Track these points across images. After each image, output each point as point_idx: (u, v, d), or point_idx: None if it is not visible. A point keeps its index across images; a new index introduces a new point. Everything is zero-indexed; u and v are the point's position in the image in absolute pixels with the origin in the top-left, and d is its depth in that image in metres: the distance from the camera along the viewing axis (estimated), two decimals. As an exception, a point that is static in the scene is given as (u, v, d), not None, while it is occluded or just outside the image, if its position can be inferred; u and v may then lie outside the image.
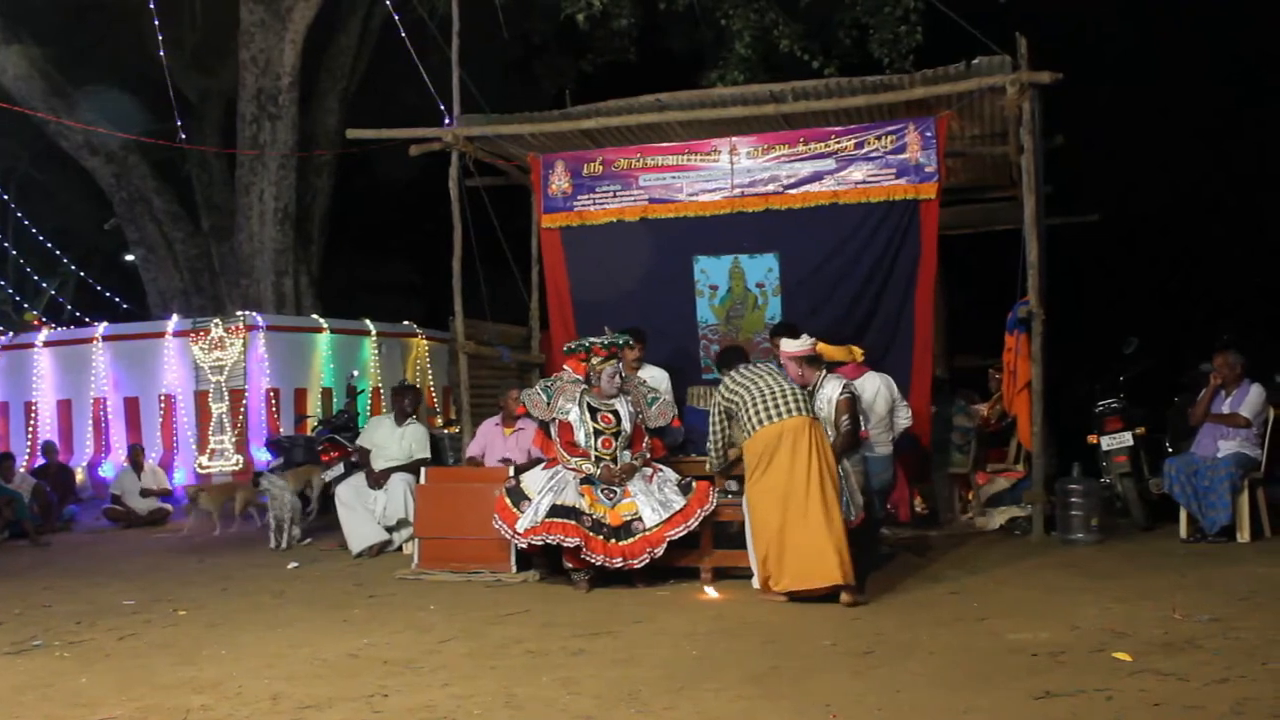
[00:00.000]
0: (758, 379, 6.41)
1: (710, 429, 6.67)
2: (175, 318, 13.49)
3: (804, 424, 6.14)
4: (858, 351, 7.61)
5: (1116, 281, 15.72)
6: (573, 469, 6.90)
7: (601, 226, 9.18)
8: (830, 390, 6.55)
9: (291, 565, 8.09)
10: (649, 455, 7.05)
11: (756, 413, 6.24)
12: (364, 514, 8.45)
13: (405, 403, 8.98)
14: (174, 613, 6.46)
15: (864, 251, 8.59)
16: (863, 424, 6.86)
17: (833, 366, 7.38)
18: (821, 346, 7.39)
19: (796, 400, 6.24)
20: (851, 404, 6.51)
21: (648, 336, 8.05)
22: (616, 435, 6.96)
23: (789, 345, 6.70)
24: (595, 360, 7.13)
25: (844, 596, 5.91)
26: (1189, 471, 7.66)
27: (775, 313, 8.90)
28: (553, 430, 7.14)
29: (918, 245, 8.46)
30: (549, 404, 7.16)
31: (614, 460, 6.90)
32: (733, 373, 6.64)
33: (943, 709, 4.05)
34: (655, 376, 7.98)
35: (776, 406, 6.21)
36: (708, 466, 6.81)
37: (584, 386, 7.16)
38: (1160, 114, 15.61)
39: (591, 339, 7.30)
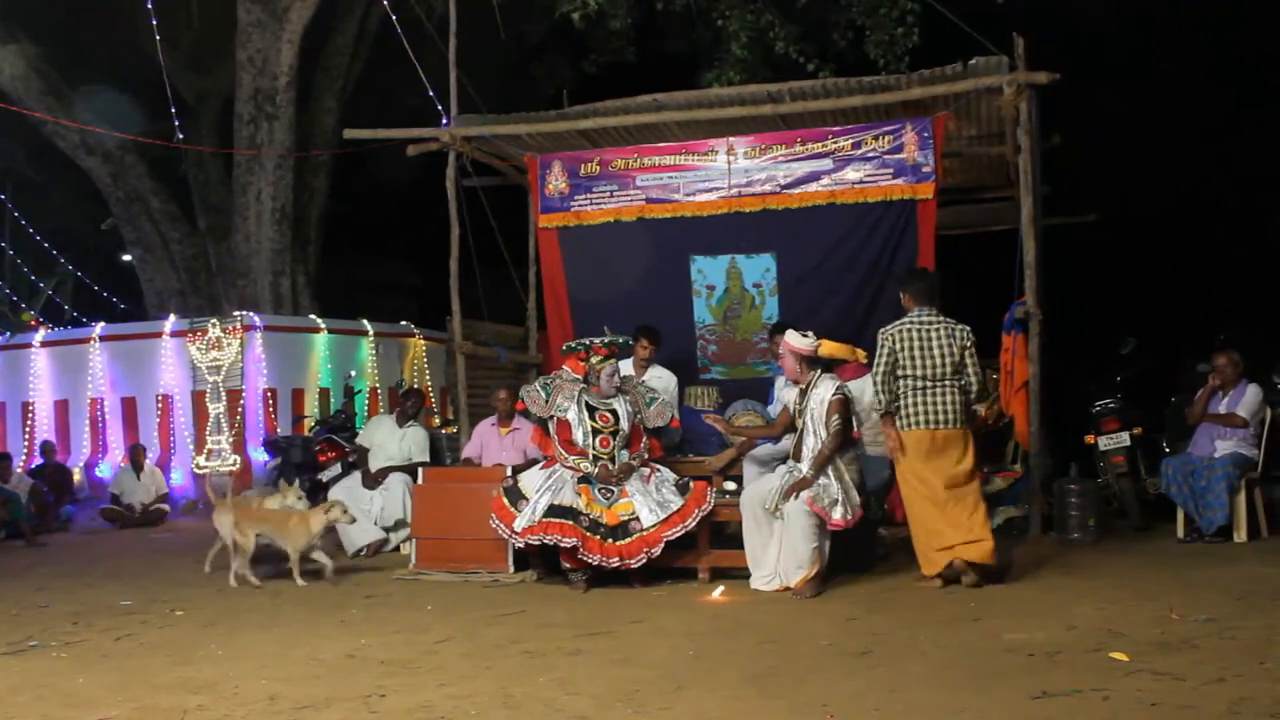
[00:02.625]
0: (926, 363, 6.33)
1: (874, 372, 6.45)
2: (172, 318, 13.48)
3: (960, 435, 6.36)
4: (860, 353, 7.60)
5: (1114, 282, 15.71)
6: (570, 467, 6.90)
7: (598, 226, 9.17)
8: (824, 391, 6.54)
9: (289, 566, 8.07)
10: (647, 455, 7.05)
11: (917, 407, 6.32)
12: (359, 514, 8.46)
13: (408, 405, 9.00)
14: (171, 613, 6.46)
15: (861, 251, 8.59)
16: (857, 425, 6.86)
17: (834, 365, 7.38)
18: (826, 344, 7.41)
19: (956, 408, 6.32)
20: (843, 405, 6.50)
21: (659, 336, 8.07)
22: (614, 434, 6.97)
23: (795, 340, 6.69)
24: (595, 360, 7.13)
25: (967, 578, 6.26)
26: (1186, 471, 7.67)
27: (772, 313, 8.90)
28: (551, 428, 7.14)
29: (915, 245, 8.46)
30: (548, 401, 7.17)
31: (612, 460, 6.90)
32: (907, 323, 6.44)
33: (940, 709, 4.05)
34: (662, 377, 7.99)
35: (940, 411, 6.30)
36: (879, 406, 6.48)
37: (582, 385, 7.17)
38: (1159, 114, 15.60)
39: (591, 338, 7.30)
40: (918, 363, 6.33)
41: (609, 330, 7.43)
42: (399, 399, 9.27)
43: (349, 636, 5.62)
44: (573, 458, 6.93)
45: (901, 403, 6.37)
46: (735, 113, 8.56)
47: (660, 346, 8.07)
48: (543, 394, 7.21)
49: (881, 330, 6.52)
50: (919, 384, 6.32)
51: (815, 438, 6.50)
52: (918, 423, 6.33)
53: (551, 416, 7.14)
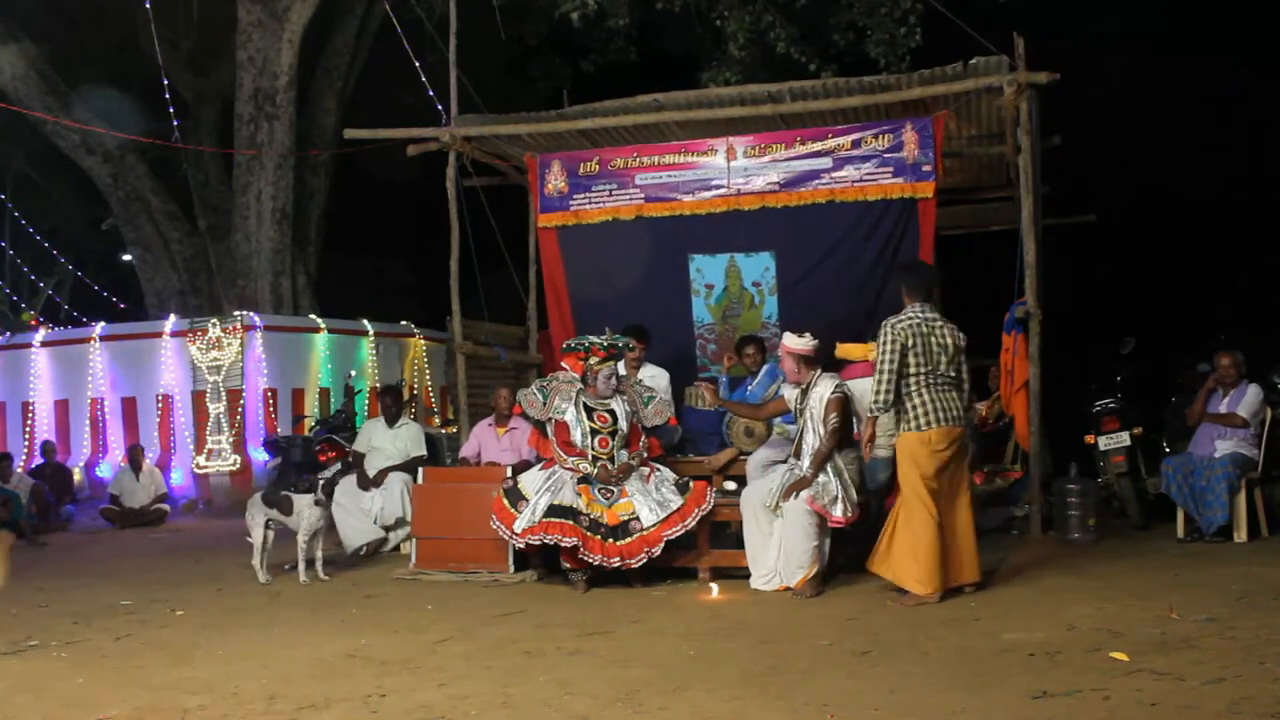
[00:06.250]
0: (938, 353, 6.09)
1: (880, 368, 6.07)
2: (172, 318, 13.48)
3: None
4: (873, 351, 7.57)
5: (1114, 282, 15.72)
6: (570, 469, 6.90)
7: (597, 225, 9.17)
8: (823, 389, 6.55)
9: (289, 566, 8.07)
10: (646, 454, 7.05)
11: (934, 404, 6.04)
12: (358, 513, 8.46)
13: (388, 402, 8.94)
14: (171, 613, 6.46)
15: (861, 250, 8.59)
16: (857, 424, 6.86)
17: (840, 365, 7.38)
18: (841, 347, 7.45)
19: (961, 407, 6.16)
20: (842, 403, 6.50)
21: (648, 335, 8.06)
22: (613, 435, 6.96)
23: (793, 342, 6.69)
24: (593, 361, 7.12)
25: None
26: (1186, 471, 7.67)
27: (772, 311, 8.90)
28: (549, 430, 7.14)
29: (915, 244, 8.46)
30: (545, 404, 7.16)
31: (611, 460, 6.90)
32: (912, 318, 6.11)
33: (939, 709, 4.05)
34: (655, 375, 7.98)
35: (955, 408, 6.09)
36: (871, 410, 6.15)
37: (580, 386, 7.16)
38: (1159, 114, 15.62)
39: (592, 338, 7.28)
40: (928, 359, 6.05)
41: (609, 331, 7.42)
42: (377, 399, 9.16)
43: (349, 636, 5.62)
44: (571, 459, 6.93)
45: (911, 401, 6.06)
46: (735, 113, 8.56)
47: (649, 345, 8.06)
48: (540, 397, 7.20)
49: (888, 324, 6.11)
50: (932, 380, 6.05)
51: (815, 436, 6.50)
52: (937, 420, 6.01)
53: (550, 419, 7.13)
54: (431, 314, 14.27)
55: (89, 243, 21.78)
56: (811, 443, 6.52)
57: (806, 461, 6.50)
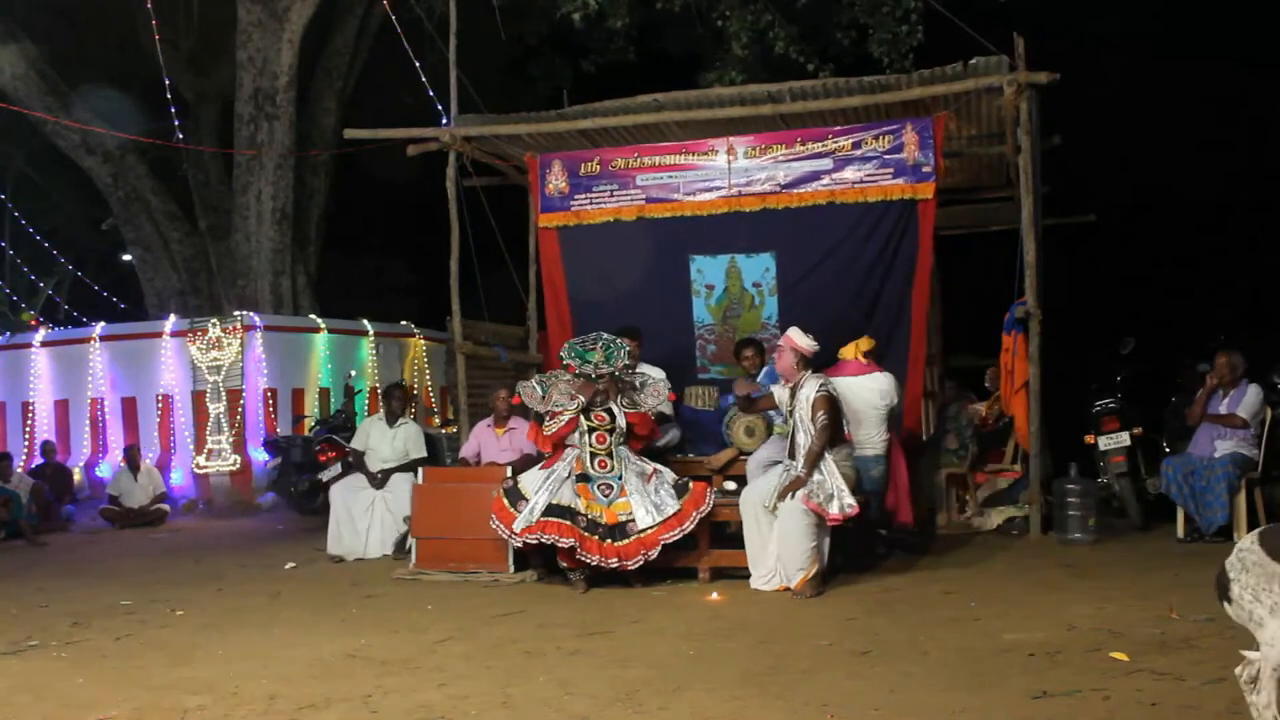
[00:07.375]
0: None
1: None
2: (172, 318, 13.47)
3: None
4: (862, 345, 7.55)
5: (1114, 282, 15.72)
6: (570, 444, 6.92)
7: (598, 226, 9.17)
8: (809, 389, 6.55)
9: (289, 566, 8.08)
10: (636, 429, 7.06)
11: None
12: (349, 522, 8.37)
13: (393, 403, 8.84)
14: (171, 613, 6.46)
15: (861, 251, 8.59)
16: (848, 425, 6.83)
17: (834, 363, 7.38)
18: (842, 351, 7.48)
19: None
20: (828, 401, 6.49)
21: (643, 335, 8.04)
22: (610, 431, 6.98)
23: (799, 338, 6.69)
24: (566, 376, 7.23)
25: None
26: (1186, 471, 7.67)
27: (772, 312, 8.89)
28: (545, 420, 7.16)
29: (915, 245, 8.46)
30: (544, 397, 7.19)
31: (609, 456, 6.91)
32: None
33: (939, 709, 4.05)
34: (654, 376, 7.98)
35: None
36: None
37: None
38: (1159, 114, 15.62)
39: (572, 352, 7.29)
40: None
41: (593, 336, 7.34)
42: (383, 398, 9.09)
43: (349, 636, 5.62)
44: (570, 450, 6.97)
45: None
46: (735, 113, 8.56)
47: (642, 344, 8.03)
48: (539, 390, 7.24)
49: None
50: None
51: (806, 435, 6.51)
52: None
53: (548, 412, 7.15)
54: (431, 314, 14.26)
55: (89, 243, 21.77)
56: (803, 443, 6.53)
57: (800, 462, 6.51)
